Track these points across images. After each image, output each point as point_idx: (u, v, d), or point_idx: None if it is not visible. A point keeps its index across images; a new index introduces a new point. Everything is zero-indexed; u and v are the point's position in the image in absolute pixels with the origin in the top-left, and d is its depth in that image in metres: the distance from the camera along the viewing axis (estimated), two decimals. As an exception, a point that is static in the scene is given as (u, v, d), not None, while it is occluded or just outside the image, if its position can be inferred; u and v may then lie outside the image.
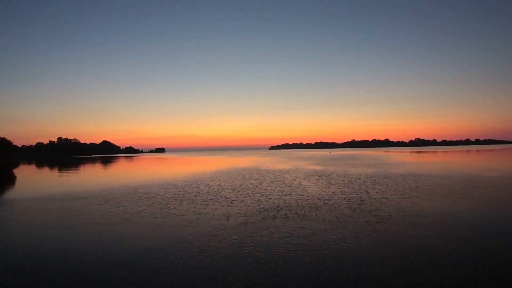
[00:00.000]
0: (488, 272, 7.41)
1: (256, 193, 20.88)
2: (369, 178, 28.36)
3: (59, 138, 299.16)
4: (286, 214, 14.24)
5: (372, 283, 6.97)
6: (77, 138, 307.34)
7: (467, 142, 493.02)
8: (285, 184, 25.72)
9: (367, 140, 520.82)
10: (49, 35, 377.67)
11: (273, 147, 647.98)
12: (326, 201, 17.18)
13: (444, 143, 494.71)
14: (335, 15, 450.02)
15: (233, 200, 18.12)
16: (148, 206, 16.77)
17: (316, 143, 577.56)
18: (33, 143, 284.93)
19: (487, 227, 11.43)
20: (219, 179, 30.51)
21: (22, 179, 39.87)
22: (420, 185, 23.02)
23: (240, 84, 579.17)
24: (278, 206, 16.05)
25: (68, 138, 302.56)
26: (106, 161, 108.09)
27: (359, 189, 21.61)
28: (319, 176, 31.68)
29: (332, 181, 26.71)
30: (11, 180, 38.11)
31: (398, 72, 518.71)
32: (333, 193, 20.17)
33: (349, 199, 17.87)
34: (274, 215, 14.08)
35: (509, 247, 9.17)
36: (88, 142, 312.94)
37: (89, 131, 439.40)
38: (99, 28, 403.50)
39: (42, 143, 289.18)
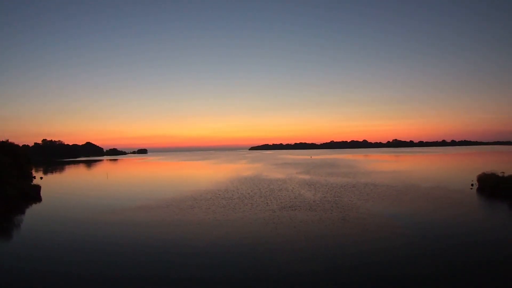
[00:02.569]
0: (373, 230, 21.98)
1: (275, 197, 35.33)
2: (342, 187, 43.14)
3: (44, 140, 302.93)
4: (296, 207, 28.79)
5: (334, 232, 21.46)
6: (60, 139, 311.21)
7: (443, 143, 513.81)
8: (288, 191, 40.24)
9: (346, 141, 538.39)
10: (32, 35, 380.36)
11: (253, 148, 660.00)
12: (317, 201, 31.82)
13: (421, 144, 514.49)
14: (315, 17, 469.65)
15: (267, 202, 32.46)
16: (224, 208, 30.69)
17: (295, 143, 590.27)
18: (18, 144, 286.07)
19: (393, 216, 26.18)
20: (242, 187, 44.63)
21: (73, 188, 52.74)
22: (372, 192, 37.83)
23: (220, 85, 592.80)
24: (292, 204, 30.60)
25: (53, 140, 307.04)
26: (110, 165, 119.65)
27: (335, 195, 36.38)
28: (309, 185, 46.31)
29: (318, 189, 41.39)
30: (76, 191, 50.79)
31: (377, 74, 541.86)
32: (321, 197, 34.81)
33: (329, 200, 32.58)
34: (291, 208, 28.65)
35: (393, 227, 23.89)
36: (71, 144, 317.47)
37: (72, 131, 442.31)
38: (82, 29, 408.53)
39: (27, 145, 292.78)
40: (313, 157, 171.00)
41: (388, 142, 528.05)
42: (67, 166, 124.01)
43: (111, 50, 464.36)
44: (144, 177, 73.85)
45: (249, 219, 25.17)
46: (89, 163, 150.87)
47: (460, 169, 72.50)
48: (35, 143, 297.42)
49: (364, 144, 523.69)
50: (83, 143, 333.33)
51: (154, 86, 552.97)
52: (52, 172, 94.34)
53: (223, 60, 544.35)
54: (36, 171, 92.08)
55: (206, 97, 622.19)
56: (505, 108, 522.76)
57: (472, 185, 41.62)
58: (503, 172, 39.95)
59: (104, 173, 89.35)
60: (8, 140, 62.16)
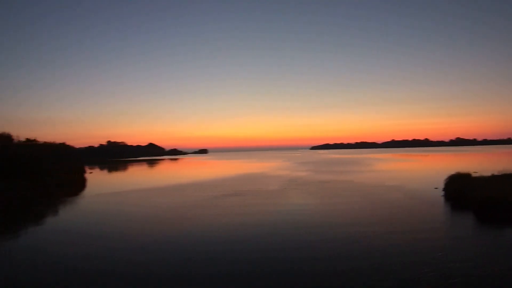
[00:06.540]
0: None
1: (238, 188, 43.06)
2: (306, 182, 48.64)
3: (108, 142, 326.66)
4: (237, 195, 36.39)
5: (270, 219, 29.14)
6: (124, 140, 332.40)
7: (509, 141, 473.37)
8: (259, 185, 47.72)
9: (407, 140, 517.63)
10: (102, 40, 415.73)
11: (314, 147, 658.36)
12: (258, 191, 39.05)
13: (485, 142, 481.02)
14: (372, 10, 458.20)
15: (225, 190, 40.50)
16: (181, 192, 39.55)
17: (356, 143, 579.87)
18: (81, 144, 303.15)
19: (305, 208, 32.71)
20: (231, 181, 52.89)
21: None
22: (324, 188, 41.30)
23: (283, 85, 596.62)
24: (238, 192, 38.20)
25: (116, 141, 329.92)
26: (174, 164, 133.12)
27: (288, 187, 42.95)
28: (288, 180, 52.35)
29: (284, 182, 48.20)
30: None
31: (438, 69, 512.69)
32: (275, 188, 41.79)
33: (274, 190, 39.47)
34: (231, 195, 36.33)
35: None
36: (135, 145, 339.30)
37: (135, 132, 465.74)
38: (143, 32, 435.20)
39: (93, 146, 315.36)
40: (353, 156, 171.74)
41: (451, 140, 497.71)
42: (121, 165, 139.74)
43: (171, 49, 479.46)
44: (164, 173, 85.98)
45: (190, 202, 33.10)
46: (144, 162, 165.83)
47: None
48: (100, 144, 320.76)
49: (425, 143, 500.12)
50: (146, 144, 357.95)
51: (220, 86, 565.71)
52: (105, 169, 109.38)
53: (286, 57, 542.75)
54: (92, 168, 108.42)
55: (266, 98, 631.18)
56: None
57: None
58: (476, 172, 37.59)
59: (143, 170, 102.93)
60: (65, 142, 78.65)
